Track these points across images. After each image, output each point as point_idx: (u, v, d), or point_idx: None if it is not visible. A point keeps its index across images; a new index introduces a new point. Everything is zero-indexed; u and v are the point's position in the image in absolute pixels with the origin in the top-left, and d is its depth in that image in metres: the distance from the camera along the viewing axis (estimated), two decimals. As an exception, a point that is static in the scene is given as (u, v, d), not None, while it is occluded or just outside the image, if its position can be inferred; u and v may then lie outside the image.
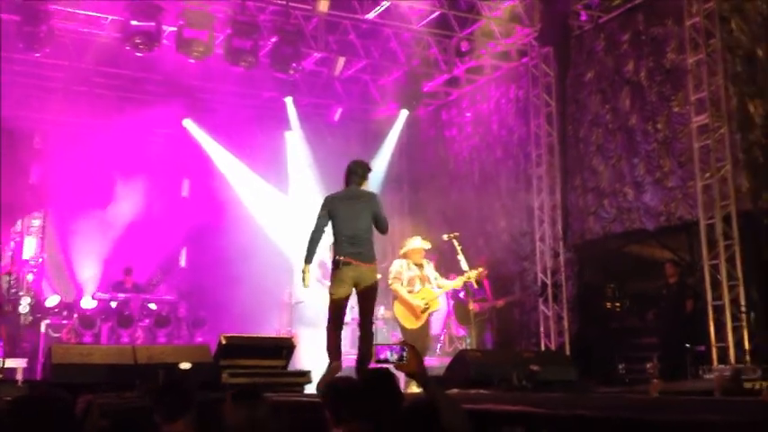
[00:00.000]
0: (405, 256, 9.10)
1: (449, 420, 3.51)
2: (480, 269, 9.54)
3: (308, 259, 7.42)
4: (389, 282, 9.14)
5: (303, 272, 7.44)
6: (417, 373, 3.74)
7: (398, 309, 9.16)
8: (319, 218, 7.36)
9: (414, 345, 3.86)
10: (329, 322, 7.42)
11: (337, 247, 7.30)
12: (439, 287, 9.11)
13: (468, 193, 13.49)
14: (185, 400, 3.95)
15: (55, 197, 13.54)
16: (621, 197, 10.71)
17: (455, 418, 3.55)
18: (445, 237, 9.48)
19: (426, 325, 9.07)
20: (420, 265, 9.07)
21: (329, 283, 12.54)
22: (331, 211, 7.32)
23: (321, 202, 7.52)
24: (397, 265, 9.12)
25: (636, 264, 11.16)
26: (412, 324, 8.99)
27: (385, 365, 3.84)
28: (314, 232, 7.39)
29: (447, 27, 12.25)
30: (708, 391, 7.56)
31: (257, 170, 14.47)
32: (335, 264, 7.29)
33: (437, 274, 9.21)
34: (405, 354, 3.69)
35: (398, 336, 12.93)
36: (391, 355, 3.71)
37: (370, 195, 7.46)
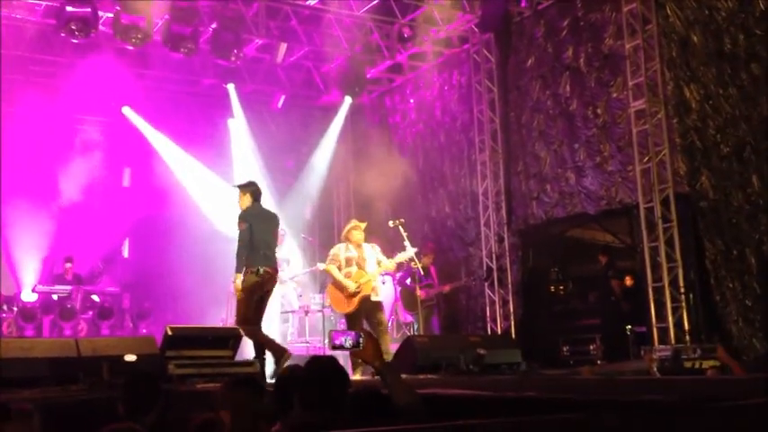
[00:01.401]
0: (345, 239, 9.02)
1: (404, 405, 3.55)
2: (414, 249, 9.06)
3: (240, 268, 8.05)
4: (325, 265, 9.09)
5: (235, 281, 8.07)
6: (373, 360, 3.76)
7: (331, 293, 9.04)
8: (245, 231, 8.11)
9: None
10: (253, 324, 8.02)
11: (254, 257, 8.06)
12: (378, 265, 8.87)
13: (413, 179, 13.55)
14: (155, 393, 3.93)
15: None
16: (563, 182, 10.88)
17: (411, 402, 3.59)
18: (391, 223, 9.47)
19: (364, 312, 8.71)
20: (359, 246, 8.94)
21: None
22: (252, 225, 8.14)
23: (251, 215, 8.27)
24: (335, 248, 9.07)
25: (578, 247, 11.40)
26: (343, 308, 8.82)
27: (340, 351, 3.85)
28: (245, 246, 8.08)
29: (389, 13, 12.26)
30: (644, 371, 7.78)
31: (201, 158, 14.26)
32: (256, 272, 8.00)
33: (382, 257, 8.97)
34: (361, 340, 3.71)
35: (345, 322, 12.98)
36: (346, 341, 3.73)
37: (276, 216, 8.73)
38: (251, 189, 8.45)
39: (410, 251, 8.94)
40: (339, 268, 8.82)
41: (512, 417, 4.20)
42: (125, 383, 4.41)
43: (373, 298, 8.74)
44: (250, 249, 8.05)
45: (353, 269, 8.78)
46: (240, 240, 8.09)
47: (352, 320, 8.73)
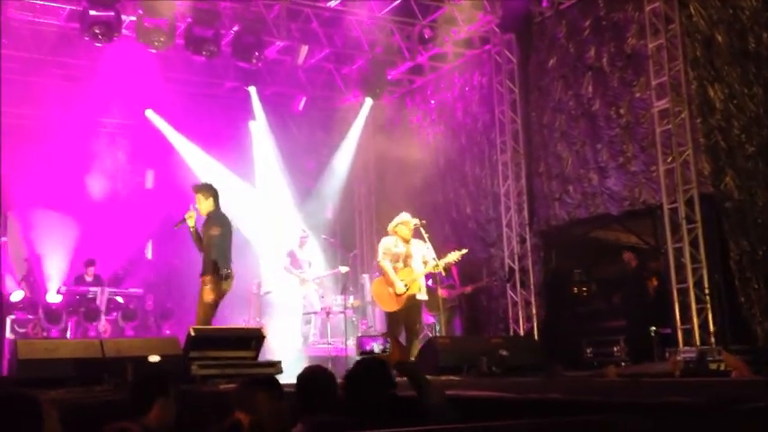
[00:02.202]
0: (393, 232, 8.76)
1: (434, 407, 3.55)
2: (463, 250, 8.90)
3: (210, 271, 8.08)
4: (379, 259, 8.79)
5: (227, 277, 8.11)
6: (401, 364, 3.75)
7: (377, 288, 8.72)
8: (220, 236, 8.17)
9: (391, 331, 3.89)
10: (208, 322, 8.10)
11: (225, 261, 8.14)
12: (424, 263, 8.60)
13: (434, 180, 13.53)
14: (164, 392, 3.94)
15: (16, 192, 13.30)
16: (586, 182, 10.81)
17: (440, 404, 3.59)
18: (412, 224, 9.42)
19: (407, 310, 8.43)
20: (407, 242, 8.69)
21: (298, 272, 12.55)
22: (223, 229, 8.22)
23: (223, 219, 8.32)
24: (387, 242, 8.75)
25: (601, 248, 11.31)
26: (388, 306, 8.51)
27: (369, 356, 3.84)
28: (221, 251, 8.14)
29: (410, 14, 12.25)
30: (668, 373, 7.71)
31: (222, 160, 14.35)
32: (226, 276, 8.10)
33: (429, 256, 8.64)
34: (387, 345, 3.72)
35: (368, 324, 13.00)
36: (376, 347, 3.74)
37: None
38: (213, 192, 8.39)
39: (457, 253, 8.71)
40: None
41: (535, 418, 4.19)
42: (132, 383, 4.44)
43: (418, 297, 8.55)
44: (220, 254, 8.07)
45: (399, 265, 8.57)
46: (216, 245, 8.08)
47: (394, 319, 8.44)
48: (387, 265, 8.63)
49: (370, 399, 3.31)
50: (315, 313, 12.55)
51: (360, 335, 10.78)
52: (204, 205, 8.31)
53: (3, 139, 13.13)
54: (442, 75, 13.67)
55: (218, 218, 8.26)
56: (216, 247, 8.09)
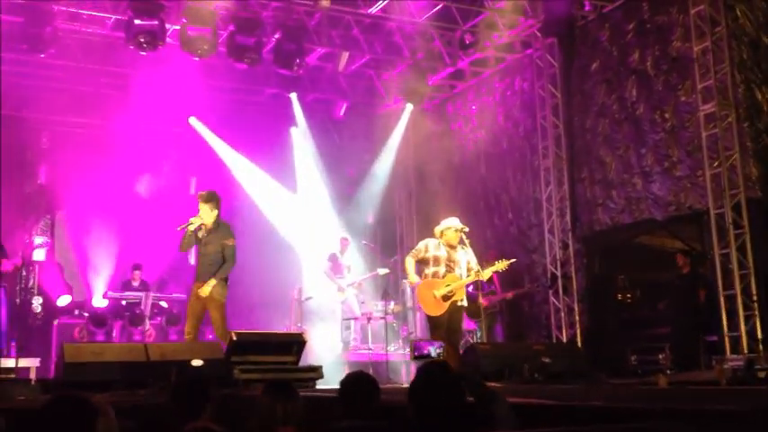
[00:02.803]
0: (440, 234, 8.67)
1: (497, 411, 3.51)
2: (511, 260, 8.76)
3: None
4: (407, 254, 8.83)
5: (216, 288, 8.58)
6: (456, 368, 3.70)
7: (421, 292, 8.58)
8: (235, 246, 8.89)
9: (433, 336, 3.85)
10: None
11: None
12: (469, 270, 8.49)
13: (475, 186, 13.47)
14: (205, 396, 3.97)
15: (64, 197, 13.58)
16: (630, 187, 10.67)
17: (501, 408, 3.55)
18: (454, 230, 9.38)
19: (449, 315, 8.27)
20: (453, 248, 8.59)
21: (338, 278, 12.58)
22: None
23: (230, 232, 8.91)
24: (424, 242, 8.71)
25: (646, 254, 11.15)
26: (433, 310, 8.35)
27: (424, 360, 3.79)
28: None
29: (450, 20, 12.22)
30: (714, 382, 7.56)
31: (264, 167, 14.48)
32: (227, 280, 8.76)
33: (474, 263, 8.55)
34: (441, 350, 3.68)
35: (408, 329, 12.99)
36: (434, 351, 3.71)
37: None
38: (219, 201, 8.82)
39: (505, 262, 8.59)
40: (426, 263, 8.50)
41: (577, 426, 4.14)
42: (174, 386, 4.48)
43: (461, 303, 8.45)
44: (234, 262, 8.77)
45: (442, 269, 8.47)
46: (232, 255, 8.74)
47: (437, 324, 8.28)
48: (409, 261, 8.65)
49: (441, 408, 3.23)
50: (355, 319, 12.58)
51: (414, 339, 10.79)
52: (212, 214, 8.69)
53: (52, 144, 13.46)
54: (483, 80, 13.61)
55: (228, 227, 8.85)
56: (232, 256, 8.71)
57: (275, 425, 3.65)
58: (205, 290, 8.43)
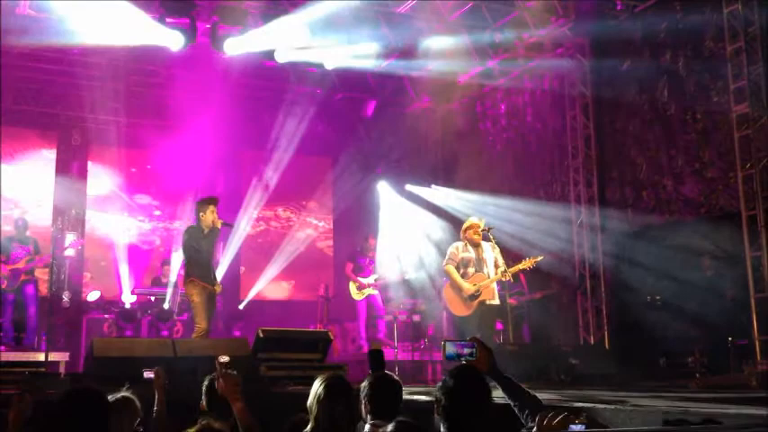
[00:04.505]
0: (464, 237, 8.72)
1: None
2: (539, 257, 8.81)
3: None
4: (444, 264, 8.79)
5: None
6: (489, 369, 3.66)
7: (448, 293, 8.66)
8: None
9: (465, 335, 3.80)
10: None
11: None
12: (496, 268, 8.51)
13: (504, 185, 13.40)
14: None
15: (94, 192, 13.78)
16: (660, 189, 10.56)
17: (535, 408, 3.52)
18: (480, 229, 9.35)
19: (478, 315, 8.39)
20: (477, 246, 8.66)
21: (362, 277, 12.56)
22: None
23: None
24: (453, 247, 8.75)
25: (676, 255, 10.99)
26: (460, 311, 8.46)
27: (455, 361, 3.73)
28: None
29: (480, 18, 12.16)
30: (744, 385, 7.46)
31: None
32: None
33: (501, 260, 8.58)
34: (474, 350, 3.63)
35: (435, 329, 12.95)
36: (464, 350, 3.66)
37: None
38: (216, 203, 9.15)
39: (532, 259, 8.60)
40: (457, 268, 8.60)
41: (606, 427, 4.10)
42: (208, 383, 4.52)
43: (489, 302, 8.49)
44: None
45: (471, 270, 8.52)
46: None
47: (467, 324, 8.41)
48: (451, 269, 8.60)
49: (472, 412, 3.21)
50: (381, 317, 12.56)
51: (444, 339, 10.77)
52: (209, 218, 8.96)
53: (83, 140, 13.61)
54: (512, 79, 13.53)
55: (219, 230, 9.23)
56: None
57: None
58: (219, 288, 9.09)
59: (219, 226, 9.03)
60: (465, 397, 3.24)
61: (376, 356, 4.36)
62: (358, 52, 12.61)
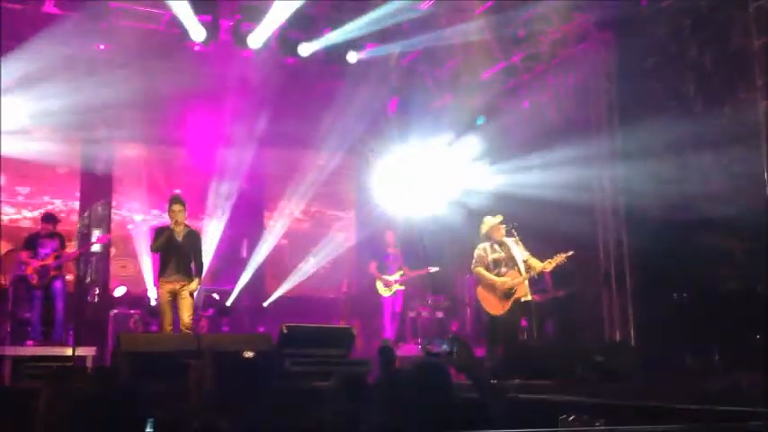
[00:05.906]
0: (487, 237, 8.77)
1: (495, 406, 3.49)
2: (570, 252, 8.90)
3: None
4: (472, 267, 8.82)
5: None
6: (466, 368, 3.69)
7: (482, 294, 8.68)
8: None
9: (500, 333, 3.82)
10: None
11: None
12: (529, 268, 8.58)
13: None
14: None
15: (119, 188, 13.90)
16: (687, 185, 10.46)
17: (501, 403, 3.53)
18: (504, 227, 9.32)
19: (511, 313, 8.46)
20: (503, 244, 8.68)
21: (387, 273, 12.54)
22: None
23: None
24: (480, 249, 8.77)
25: (702, 252, 10.89)
26: (496, 310, 8.49)
27: (435, 359, 3.76)
28: None
29: (503, 14, 12.10)
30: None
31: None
32: None
33: (526, 254, 8.66)
34: (455, 348, 3.66)
35: (459, 325, 12.92)
36: (441, 348, 3.69)
37: None
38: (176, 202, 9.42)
39: (563, 255, 8.64)
40: (488, 270, 8.58)
41: (631, 425, 4.08)
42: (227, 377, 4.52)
43: (524, 300, 8.49)
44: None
45: (504, 270, 8.53)
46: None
47: (497, 322, 8.44)
48: (481, 270, 8.58)
49: (420, 403, 3.23)
50: (396, 314, 12.53)
51: (424, 337, 10.78)
52: (184, 215, 9.27)
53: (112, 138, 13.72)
54: (536, 75, 13.44)
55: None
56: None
57: None
58: (194, 286, 9.24)
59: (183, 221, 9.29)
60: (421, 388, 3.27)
61: (386, 354, 4.38)
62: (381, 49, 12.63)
